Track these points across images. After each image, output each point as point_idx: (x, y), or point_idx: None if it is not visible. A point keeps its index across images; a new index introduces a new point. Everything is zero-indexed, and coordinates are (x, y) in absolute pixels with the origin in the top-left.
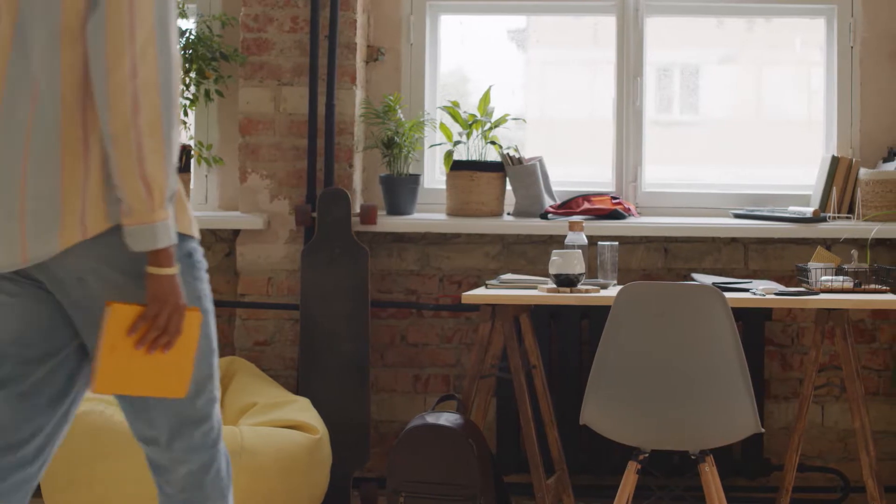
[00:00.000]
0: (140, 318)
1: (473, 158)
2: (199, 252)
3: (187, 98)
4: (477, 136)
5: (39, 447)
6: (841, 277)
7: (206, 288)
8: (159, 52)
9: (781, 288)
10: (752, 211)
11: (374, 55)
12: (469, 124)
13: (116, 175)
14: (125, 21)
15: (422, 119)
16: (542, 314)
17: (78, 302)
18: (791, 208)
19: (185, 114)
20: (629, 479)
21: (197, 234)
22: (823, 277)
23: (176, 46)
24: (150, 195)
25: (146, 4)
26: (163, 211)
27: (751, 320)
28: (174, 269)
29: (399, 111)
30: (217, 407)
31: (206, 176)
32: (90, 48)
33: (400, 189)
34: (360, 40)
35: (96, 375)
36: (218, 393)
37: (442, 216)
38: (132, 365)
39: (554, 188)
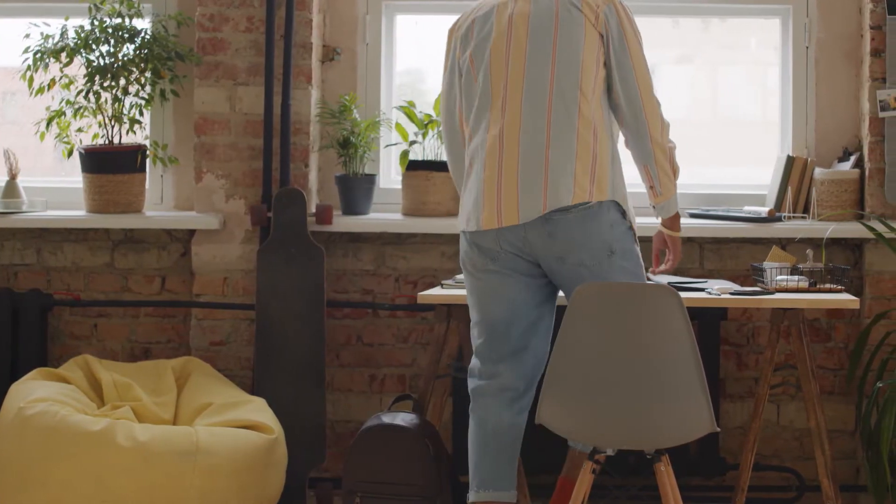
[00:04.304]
0: (665, 260)
1: (429, 158)
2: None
3: (143, 98)
4: (433, 136)
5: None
6: (796, 277)
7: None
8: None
9: (737, 287)
10: (708, 210)
11: (329, 55)
12: (425, 124)
13: (654, 167)
14: (643, 69)
15: (377, 119)
16: None
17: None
18: (746, 208)
19: (141, 113)
20: (585, 479)
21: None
22: (779, 277)
23: None
24: (672, 179)
25: (644, 56)
26: (676, 189)
27: (706, 320)
28: (679, 233)
29: (355, 111)
30: None
31: (162, 176)
32: (625, 90)
33: (356, 189)
34: (315, 40)
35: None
36: None
37: (398, 216)
38: None
39: None
